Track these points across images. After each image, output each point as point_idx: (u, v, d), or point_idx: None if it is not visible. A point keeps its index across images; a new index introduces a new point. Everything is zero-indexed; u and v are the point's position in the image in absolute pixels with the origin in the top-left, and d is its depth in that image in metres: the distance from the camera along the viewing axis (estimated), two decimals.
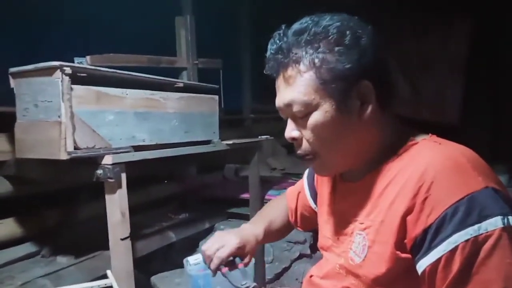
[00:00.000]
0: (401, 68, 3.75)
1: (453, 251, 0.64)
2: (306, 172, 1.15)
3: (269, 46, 0.79)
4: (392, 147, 0.77)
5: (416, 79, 3.96)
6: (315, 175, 1.06)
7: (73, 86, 1.47)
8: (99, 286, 0.92)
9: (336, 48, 0.71)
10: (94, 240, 1.91)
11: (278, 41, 0.77)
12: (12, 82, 1.59)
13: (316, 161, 0.80)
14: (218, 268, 0.97)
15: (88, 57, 1.88)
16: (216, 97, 2.22)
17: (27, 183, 1.90)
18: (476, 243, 0.63)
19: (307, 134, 0.76)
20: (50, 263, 1.81)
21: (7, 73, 1.59)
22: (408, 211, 0.68)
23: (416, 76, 3.97)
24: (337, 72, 0.71)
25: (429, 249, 0.66)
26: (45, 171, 1.77)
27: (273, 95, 0.80)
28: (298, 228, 1.18)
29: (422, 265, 0.68)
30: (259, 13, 3.82)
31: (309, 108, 0.74)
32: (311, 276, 0.94)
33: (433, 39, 3.94)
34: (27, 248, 1.91)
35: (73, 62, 1.52)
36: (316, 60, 0.72)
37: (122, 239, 1.58)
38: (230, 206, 2.86)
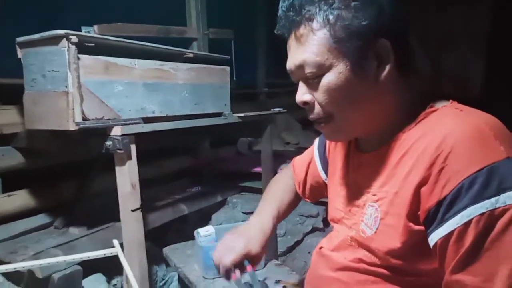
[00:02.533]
0: (422, 43, 3.64)
1: (466, 225, 0.60)
2: (316, 142, 1.10)
3: (280, 3, 0.73)
4: (411, 113, 0.72)
5: (438, 54, 3.85)
6: (327, 145, 1.01)
7: (80, 55, 1.44)
8: (104, 254, 0.91)
9: (353, 4, 0.66)
10: (106, 211, 1.92)
11: None
12: (19, 52, 1.57)
13: (329, 124, 0.75)
14: (228, 276, 0.93)
15: (95, 26, 1.84)
16: (228, 68, 2.17)
17: (39, 155, 1.91)
18: (491, 217, 0.58)
19: (319, 96, 0.71)
20: (63, 234, 1.83)
21: (13, 45, 1.58)
22: (423, 182, 0.64)
23: (438, 51, 3.86)
24: (352, 29, 0.66)
25: (442, 221, 0.62)
26: (55, 143, 1.77)
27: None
28: (306, 199, 1.15)
29: (434, 238, 0.64)
30: None
31: (322, 69, 0.69)
32: (320, 248, 0.91)
33: (455, 13, 3.81)
34: (40, 219, 1.93)
35: (80, 31, 1.48)
36: (331, 17, 0.67)
37: (132, 211, 1.57)
38: (243, 180, 2.85)
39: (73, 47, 1.42)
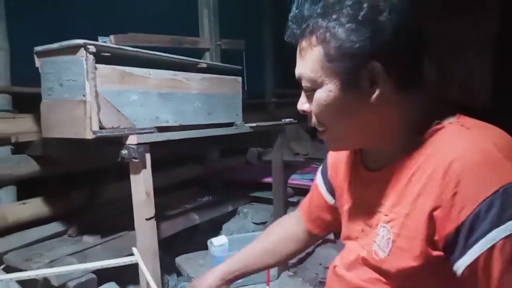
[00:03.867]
0: (429, 50, 3.63)
1: (491, 250, 0.59)
2: (319, 172, 1.06)
3: (290, 12, 0.74)
4: (416, 131, 0.71)
5: (445, 61, 3.84)
6: (329, 169, 0.99)
7: (97, 65, 1.46)
8: (125, 262, 0.92)
9: (347, 25, 0.65)
10: (119, 220, 1.93)
11: (295, 9, 0.72)
12: (37, 61, 1.59)
13: (326, 132, 0.77)
14: None
15: (112, 36, 1.87)
16: (239, 78, 2.19)
17: (54, 163, 1.93)
18: None
19: (313, 108, 0.74)
20: (77, 242, 1.84)
21: (29, 55, 1.60)
22: (436, 207, 0.63)
23: (445, 58, 3.84)
24: (344, 51, 0.66)
25: (465, 248, 0.61)
26: (70, 151, 1.79)
27: (295, 79, 0.78)
28: (319, 234, 1.08)
29: (460, 267, 0.63)
30: None
31: (314, 85, 0.71)
32: (335, 267, 0.90)
33: (462, 20, 3.79)
34: (54, 227, 1.94)
35: (96, 41, 1.51)
36: (327, 35, 0.67)
37: (147, 219, 1.58)
38: (253, 190, 2.85)
39: (91, 57, 1.44)
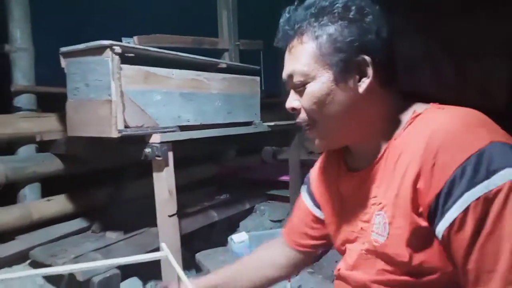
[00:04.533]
0: (446, 49, 3.59)
1: (465, 212, 0.62)
2: (302, 188, 1.05)
3: (280, 19, 0.81)
4: (396, 123, 0.77)
5: (462, 61, 3.79)
6: (311, 184, 0.99)
7: (122, 65, 1.50)
8: (154, 258, 0.94)
9: (340, 22, 0.73)
10: (141, 217, 1.97)
11: (287, 14, 0.79)
12: (63, 62, 1.63)
13: (313, 130, 0.80)
14: None
15: (135, 37, 1.91)
16: (258, 78, 2.22)
17: (78, 161, 1.97)
18: (487, 200, 0.60)
19: (304, 103, 0.77)
20: (100, 238, 1.88)
21: (52, 55, 1.65)
22: (418, 179, 0.67)
23: (462, 58, 3.80)
24: (337, 45, 0.73)
25: (443, 213, 0.64)
26: (94, 150, 1.83)
27: None
28: (307, 250, 1.03)
29: (440, 231, 0.66)
30: None
31: (308, 78, 0.75)
32: (339, 270, 0.90)
33: (480, 18, 3.74)
34: (78, 223, 1.99)
35: (120, 42, 1.54)
36: (319, 32, 0.74)
37: (169, 216, 1.61)
38: (270, 188, 2.87)
39: (116, 57, 1.48)
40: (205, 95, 1.86)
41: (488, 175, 0.61)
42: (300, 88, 0.77)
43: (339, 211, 0.90)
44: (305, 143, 3.84)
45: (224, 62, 2.04)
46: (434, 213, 0.66)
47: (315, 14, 0.75)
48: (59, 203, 1.97)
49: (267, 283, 1.04)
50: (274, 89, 3.97)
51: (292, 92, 0.81)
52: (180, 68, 1.73)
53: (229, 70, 2.02)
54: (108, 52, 1.47)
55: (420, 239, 0.70)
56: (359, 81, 0.74)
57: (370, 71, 0.74)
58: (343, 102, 0.75)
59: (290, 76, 0.78)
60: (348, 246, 0.88)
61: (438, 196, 0.65)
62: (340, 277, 0.89)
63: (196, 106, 1.81)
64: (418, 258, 0.71)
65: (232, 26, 2.71)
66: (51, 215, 1.94)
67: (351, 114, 0.76)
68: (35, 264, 1.75)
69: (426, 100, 0.79)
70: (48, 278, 1.71)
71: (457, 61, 3.79)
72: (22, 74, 2.00)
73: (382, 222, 0.75)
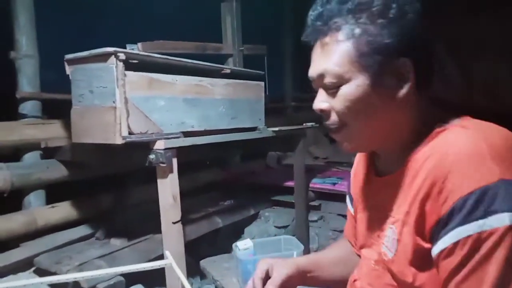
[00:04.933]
0: (452, 50, 3.57)
1: (455, 244, 0.61)
2: (347, 191, 1.04)
3: (310, 12, 0.75)
4: (422, 133, 0.72)
5: (468, 62, 3.77)
6: (351, 183, 0.99)
7: (126, 72, 1.50)
8: (159, 266, 0.93)
9: (379, 21, 0.68)
10: (145, 223, 1.96)
11: (319, 8, 0.73)
12: (68, 69, 1.63)
13: (342, 132, 0.76)
14: None
15: (139, 44, 1.92)
16: (262, 83, 2.21)
17: (82, 168, 1.97)
18: (478, 240, 0.59)
19: (336, 105, 0.73)
20: (104, 245, 1.87)
21: (57, 62, 1.65)
22: (426, 200, 0.66)
23: (468, 59, 3.77)
24: (375, 46, 0.68)
25: (438, 238, 0.64)
26: (99, 156, 1.83)
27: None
28: None
29: (433, 253, 0.66)
30: (302, 1, 3.76)
31: (341, 81, 0.70)
32: (354, 281, 0.89)
33: (487, 19, 3.72)
34: (82, 230, 1.99)
35: (124, 48, 1.54)
36: (356, 31, 0.68)
37: (174, 223, 1.60)
38: (274, 194, 2.86)
39: (120, 64, 1.48)
40: (209, 101, 1.85)
41: (485, 215, 0.59)
42: (332, 90, 0.73)
43: (365, 213, 0.88)
44: (309, 148, 3.84)
45: (228, 67, 2.04)
46: (433, 236, 0.65)
47: (353, 11, 0.69)
48: (64, 210, 1.97)
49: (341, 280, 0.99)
50: (278, 94, 3.99)
51: (321, 92, 0.76)
52: (184, 74, 1.73)
53: (233, 75, 2.02)
54: (112, 59, 1.47)
55: (424, 259, 0.69)
56: (397, 85, 0.70)
57: (410, 75, 0.70)
58: (378, 106, 0.71)
59: (321, 76, 0.73)
60: (363, 251, 0.88)
61: (438, 221, 0.64)
62: (352, 284, 0.88)
63: (200, 112, 1.80)
64: (421, 279, 0.70)
65: (236, 32, 2.72)
66: (55, 222, 1.94)
67: (384, 119, 0.73)
68: (40, 271, 1.75)
69: (458, 107, 0.75)
70: (53, 286, 1.70)
71: (464, 63, 3.77)
72: (28, 80, 2.01)
73: (392, 237, 0.74)
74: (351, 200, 1.00)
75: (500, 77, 3.80)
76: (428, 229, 0.66)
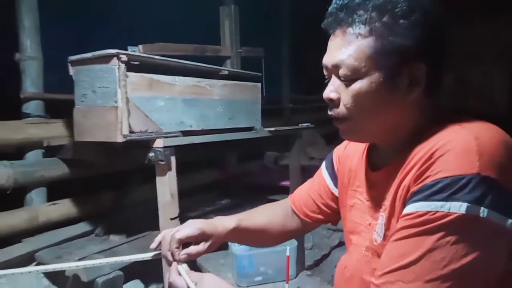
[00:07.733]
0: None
1: (412, 213, 0.65)
2: (323, 164, 1.08)
3: (334, 1, 0.75)
4: (421, 131, 0.74)
5: (463, 69, 3.83)
6: (335, 163, 1.02)
7: (127, 73, 1.55)
8: (151, 257, 1.00)
9: (401, 21, 0.68)
10: (143, 220, 2.01)
11: None
12: (71, 70, 1.69)
13: (346, 123, 0.77)
14: (172, 255, 0.92)
15: (140, 46, 1.97)
16: (259, 84, 2.27)
17: (83, 166, 2.02)
18: (431, 216, 0.63)
19: (346, 98, 0.74)
20: (104, 241, 1.92)
21: (60, 64, 1.70)
22: (411, 186, 0.69)
23: (463, 65, 3.83)
24: (395, 46, 0.69)
25: (404, 207, 0.68)
26: (100, 154, 1.88)
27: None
28: (308, 220, 1.08)
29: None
30: (299, 6, 3.83)
31: (356, 75, 0.71)
32: (345, 267, 0.90)
33: (481, 27, 3.78)
34: (83, 227, 2.04)
35: (126, 50, 1.60)
36: (379, 28, 0.69)
37: (171, 219, 1.66)
38: (270, 193, 2.91)
39: (122, 65, 1.53)
40: (207, 101, 1.91)
41: (447, 199, 0.61)
42: (345, 82, 0.74)
43: (354, 198, 0.90)
44: (305, 149, 3.89)
45: (226, 69, 2.09)
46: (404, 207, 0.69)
47: (378, 7, 0.70)
48: (65, 207, 2.02)
49: (274, 240, 1.11)
50: (275, 95, 4.04)
51: (333, 81, 0.76)
52: (183, 75, 1.79)
53: (231, 77, 2.08)
54: (114, 60, 1.53)
55: None
56: (409, 88, 0.72)
57: (422, 79, 0.71)
58: (387, 104, 0.73)
59: (336, 66, 0.73)
60: (352, 237, 0.90)
61: (411, 194, 0.67)
62: (343, 276, 0.89)
63: (198, 112, 1.86)
64: None
65: (234, 35, 2.78)
66: (56, 218, 1.99)
67: (389, 118, 0.75)
68: None
69: (458, 109, 0.77)
70: (54, 280, 1.75)
71: (459, 69, 3.83)
72: (31, 81, 2.06)
73: (381, 223, 0.77)
74: (334, 178, 1.01)
75: (494, 83, 3.85)
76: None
